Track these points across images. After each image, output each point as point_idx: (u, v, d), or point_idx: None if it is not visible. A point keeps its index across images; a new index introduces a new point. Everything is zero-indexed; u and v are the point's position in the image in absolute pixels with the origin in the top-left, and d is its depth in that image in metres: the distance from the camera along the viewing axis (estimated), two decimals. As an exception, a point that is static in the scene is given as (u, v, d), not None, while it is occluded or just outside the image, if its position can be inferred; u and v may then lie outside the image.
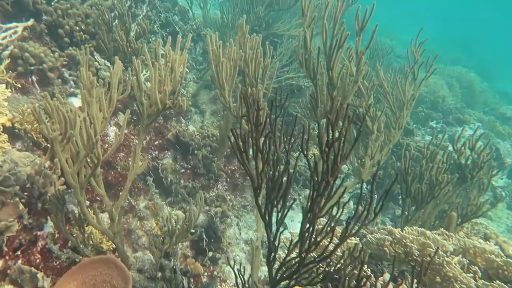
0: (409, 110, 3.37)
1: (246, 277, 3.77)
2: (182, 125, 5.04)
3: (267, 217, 1.73)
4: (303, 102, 4.24)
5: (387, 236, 2.50)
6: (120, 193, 2.92)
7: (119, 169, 3.83)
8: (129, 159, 4.03)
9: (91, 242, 2.71)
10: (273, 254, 1.84)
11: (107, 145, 3.76)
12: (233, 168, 4.99)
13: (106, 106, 2.05)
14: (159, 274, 2.56)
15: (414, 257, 2.34)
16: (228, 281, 3.40)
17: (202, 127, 5.57)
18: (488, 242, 2.48)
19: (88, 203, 3.12)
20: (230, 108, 2.79)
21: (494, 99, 12.06)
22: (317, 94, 3.02)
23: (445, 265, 2.17)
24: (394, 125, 3.33)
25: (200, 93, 5.92)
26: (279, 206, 1.80)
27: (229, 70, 2.75)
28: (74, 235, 2.61)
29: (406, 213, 2.83)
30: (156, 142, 4.48)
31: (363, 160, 3.17)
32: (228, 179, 4.84)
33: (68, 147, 2.07)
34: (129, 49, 4.04)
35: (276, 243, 1.80)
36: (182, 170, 4.25)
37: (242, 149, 1.80)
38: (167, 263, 2.60)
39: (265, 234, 1.87)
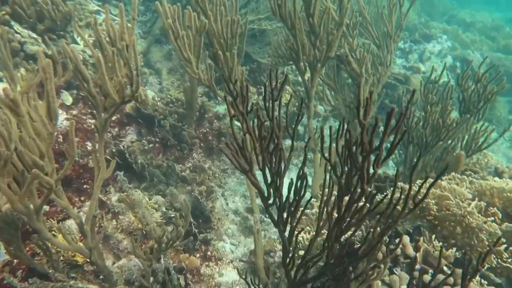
0: (396, 42, 3.07)
1: (241, 250, 3.65)
2: (140, 91, 4.51)
3: (281, 226, 1.46)
4: (273, 49, 3.82)
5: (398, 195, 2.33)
6: (89, 203, 2.54)
7: (76, 158, 3.37)
8: (87, 144, 3.56)
9: (61, 258, 2.37)
10: (289, 256, 1.60)
11: (56, 133, 3.25)
12: (205, 131, 4.62)
13: (45, 109, 1.59)
14: (152, 279, 2.30)
15: (432, 212, 2.19)
16: (224, 258, 3.23)
17: (161, 89, 5.04)
18: (502, 178, 2.36)
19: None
20: (201, 79, 2.37)
21: (451, 5, 11.95)
22: (297, 46, 2.63)
23: (468, 217, 2.04)
24: (382, 61, 3.05)
25: (151, 50, 5.29)
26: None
27: (193, 41, 2.29)
28: (39, 256, 2.25)
29: (409, 161, 2.67)
30: (114, 117, 3.98)
31: (355, 109, 2.91)
32: (202, 144, 4.49)
33: (8, 169, 1.64)
34: (58, 13, 3.36)
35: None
36: (151, 145, 3.84)
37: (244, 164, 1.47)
38: (158, 265, 2.34)
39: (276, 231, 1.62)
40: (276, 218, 1.48)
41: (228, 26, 2.35)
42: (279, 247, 3.25)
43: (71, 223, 2.58)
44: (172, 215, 3.09)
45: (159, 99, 4.47)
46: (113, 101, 1.80)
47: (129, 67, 1.71)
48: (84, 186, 3.16)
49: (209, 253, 3.21)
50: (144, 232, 2.85)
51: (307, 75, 2.79)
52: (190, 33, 2.25)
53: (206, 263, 3.17)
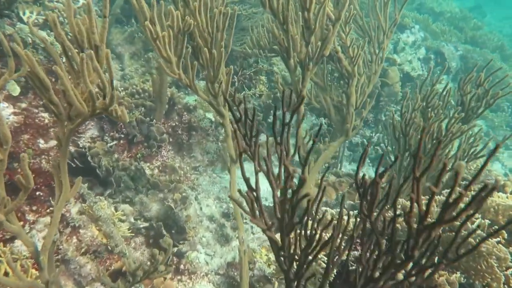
0: (389, 38, 2.91)
1: (217, 261, 3.42)
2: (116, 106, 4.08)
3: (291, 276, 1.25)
4: (254, 40, 3.54)
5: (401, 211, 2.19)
6: (49, 225, 2.21)
7: (28, 159, 2.97)
8: (39, 142, 3.15)
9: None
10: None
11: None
12: (174, 124, 4.30)
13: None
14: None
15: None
16: (198, 271, 2.99)
17: (124, 77, 4.62)
18: (505, 193, 2.28)
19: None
20: (182, 79, 2.07)
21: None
22: (288, 42, 2.39)
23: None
24: (373, 59, 2.88)
25: (111, 32, 4.81)
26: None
27: (175, 41, 1.97)
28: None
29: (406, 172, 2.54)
30: (70, 111, 3.57)
31: (346, 110, 2.73)
32: (171, 139, 4.18)
33: None
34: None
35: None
36: (114, 142, 3.48)
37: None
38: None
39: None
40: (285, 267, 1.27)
41: (214, 20, 2.06)
42: (259, 258, 3.07)
43: (22, 244, 2.23)
44: (141, 226, 2.81)
45: (122, 89, 4.06)
46: (80, 111, 1.48)
47: (101, 76, 1.40)
48: (37, 193, 2.78)
49: (182, 266, 2.97)
50: (110, 248, 2.55)
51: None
52: (172, 32, 1.94)
53: (179, 277, 2.92)
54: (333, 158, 4.55)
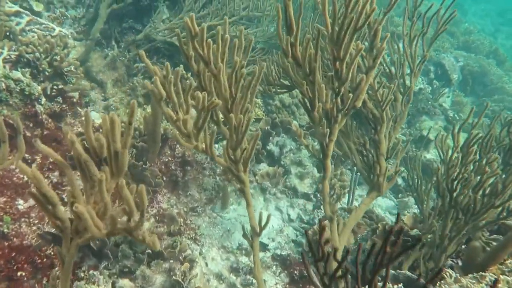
0: (417, 77, 2.70)
1: None
2: (84, 119, 3.70)
3: None
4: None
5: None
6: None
7: (5, 230, 2.61)
8: (18, 203, 2.79)
9: None
10: None
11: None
12: (167, 160, 3.99)
13: None
14: None
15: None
16: None
17: (107, 107, 4.26)
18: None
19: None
20: (198, 149, 1.78)
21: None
22: (313, 92, 2.13)
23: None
24: (400, 100, 2.66)
25: (91, 57, 4.42)
26: None
27: (196, 118, 1.69)
28: None
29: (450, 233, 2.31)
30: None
31: (374, 159, 2.49)
32: (164, 177, 3.86)
33: None
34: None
35: None
36: (103, 193, 3.14)
37: None
38: None
39: None
40: None
41: (239, 80, 1.78)
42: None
43: None
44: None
45: (108, 126, 3.72)
46: (94, 234, 1.18)
47: (130, 204, 1.10)
48: (19, 274, 2.42)
49: None
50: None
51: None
52: (194, 109, 1.65)
53: None
54: (342, 186, 4.32)
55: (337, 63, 1.99)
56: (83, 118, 3.75)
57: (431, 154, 5.66)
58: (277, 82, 3.06)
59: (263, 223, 2.12)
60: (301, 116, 5.01)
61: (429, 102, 5.86)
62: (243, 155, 1.93)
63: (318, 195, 4.40)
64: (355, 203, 4.38)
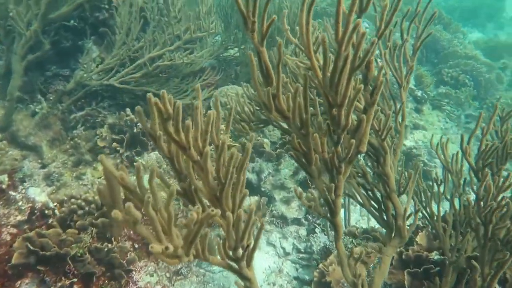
0: (406, 91, 2.41)
1: None
2: (20, 204, 3.12)
3: None
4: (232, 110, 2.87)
5: None
6: None
7: None
8: None
9: None
10: None
11: None
12: (134, 223, 3.50)
13: None
14: None
15: None
16: None
17: (49, 177, 3.67)
18: None
19: None
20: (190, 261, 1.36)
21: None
22: (307, 146, 1.78)
23: None
24: (396, 123, 2.36)
25: (14, 120, 3.79)
26: None
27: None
28: None
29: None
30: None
31: (387, 199, 2.17)
32: (136, 245, 3.38)
33: None
34: None
35: None
36: (67, 292, 2.64)
37: None
38: None
39: None
40: None
41: (222, 160, 1.40)
42: None
43: None
44: None
45: (55, 205, 3.16)
46: None
47: None
48: None
49: None
50: None
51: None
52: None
53: None
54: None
55: (334, 109, 1.64)
56: (20, 203, 3.19)
57: (409, 141, 5.53)
58: (253, 117, 2.68)
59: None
60: (271, 133, 4.65)
61: (395, 86, 5.70)
62: (246, 252, 1.55)
63: (310, 217, 4.09)
64: (352, 218, 4.11)
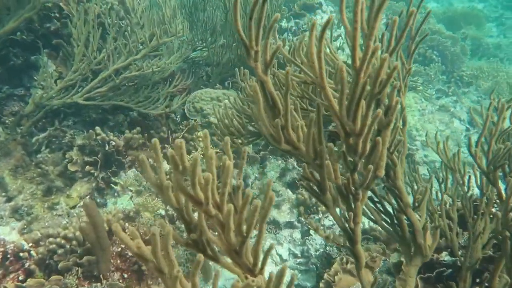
0: (404, 94, 2.31)
1: None
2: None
3: None
4: (219, 126, 2.67)
5: None
6: None
7: None
8: None
9: None
10: None
11: None
12: (120, 249, 3.30)
13: None
14: None
15: None
16: None
17: (17, 211, 3.36)
18: None
19: None
20: None
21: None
22: (321, 176, 1.64)
23: None
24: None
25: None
26: None
27: None
28: None
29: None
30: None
31: (401, 213, 2.08)
32: (125, 274, 3.19)
33: None
34: None
35: None
36: None
37: None
38: None
39: None
40: None
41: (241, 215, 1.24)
42: None
43: None
44: None
45: (31, 245, 2.89)
46: None
47: None
48: None
49: None
50: None
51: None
52: None
53: None
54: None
55: (351, 138, 1.50)
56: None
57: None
58: (243, 131, 2.52)
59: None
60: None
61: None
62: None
63: (302, 219, 4.00)
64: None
